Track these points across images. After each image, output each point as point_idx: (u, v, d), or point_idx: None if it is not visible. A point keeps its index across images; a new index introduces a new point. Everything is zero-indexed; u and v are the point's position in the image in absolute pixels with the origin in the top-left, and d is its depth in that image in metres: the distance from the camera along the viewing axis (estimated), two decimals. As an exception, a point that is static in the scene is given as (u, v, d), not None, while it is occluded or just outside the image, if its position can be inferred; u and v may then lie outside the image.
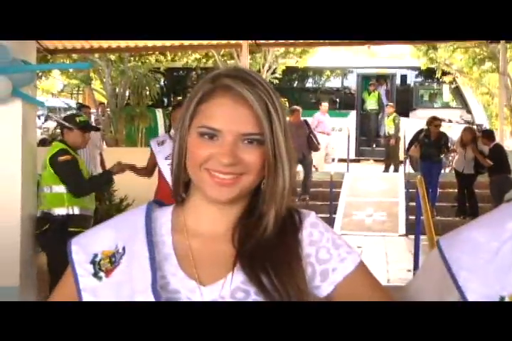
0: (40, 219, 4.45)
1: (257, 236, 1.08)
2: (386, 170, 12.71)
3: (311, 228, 1.11)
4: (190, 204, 1.13)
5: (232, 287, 1.05)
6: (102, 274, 1.08)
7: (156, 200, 1.21)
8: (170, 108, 13.52)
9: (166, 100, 16.39)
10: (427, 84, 16.21)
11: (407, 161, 11.63)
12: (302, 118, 10.33)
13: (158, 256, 1.08)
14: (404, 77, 16.05)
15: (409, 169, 11.66)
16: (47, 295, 4.15)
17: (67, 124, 4.57)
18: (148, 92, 13.80)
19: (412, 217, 8.45)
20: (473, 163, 9.27)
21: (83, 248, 1.12)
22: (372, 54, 17.10)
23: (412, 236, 7.79)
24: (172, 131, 4.72)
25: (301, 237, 1.09)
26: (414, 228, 7.94)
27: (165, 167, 4.42)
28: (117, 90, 13.96)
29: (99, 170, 7.66)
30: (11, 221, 4.31)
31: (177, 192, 1.15)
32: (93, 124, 11.39)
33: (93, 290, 1.08)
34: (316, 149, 10.22)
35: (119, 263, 1.08)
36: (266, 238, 1.08)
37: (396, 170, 12.48)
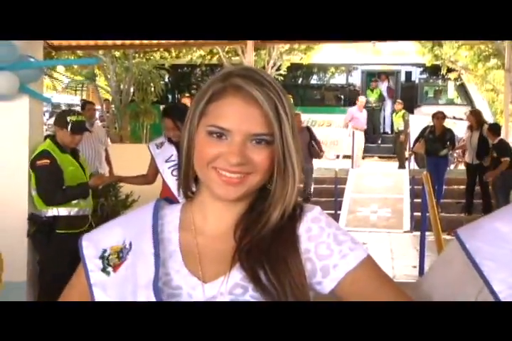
0: (28, 220, 4.36)
1: (255, 232, 1.09)
2: (402, 166, 12.57)
3: (311, 223, 1.10)
4: (198, 201, 1.15)
5: (232, 283, 1.06)
6: (110, 269, 1.10)
7: (166, 197, 1.23)
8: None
9: (170, 97, 16.43)
10: (431, 80, 16.18)
11: (412, 158, 11.62)
12: (304, 125, 10.16)
13: (164, 253, 1.10)
14: (409, 74, 16.03)
15: (414, 165, 11.66)
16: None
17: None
18: (152, 89, 13.80)
19: (417, 214, 8.46)
20: (476, 150, 9.14)
21: (93, 243, 1.14)
22: (377, 51, 17.08)
23: (417, 233, 7.79)
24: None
25: (299, 232, 1.09)
26: (418, 224, 7.96)
27: (166, 170, 4.33)
28: (122, 87, 13.96)
29: (105, 166, 7.67)
30: (18, 218, 4.31)
31: (186, 189, 1.16)
32: (97, 121, 11.40)
33: (103, 284, 1.09)
34: (318, 156, 9.89)
35: (125, 259, 1.10)
36: (264, 234, 1.09)
37: (402, 166, 12.46)
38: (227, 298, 1.05)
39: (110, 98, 14.79)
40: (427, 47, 14.37)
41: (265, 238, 1.08)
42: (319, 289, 1.09)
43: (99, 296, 1.09)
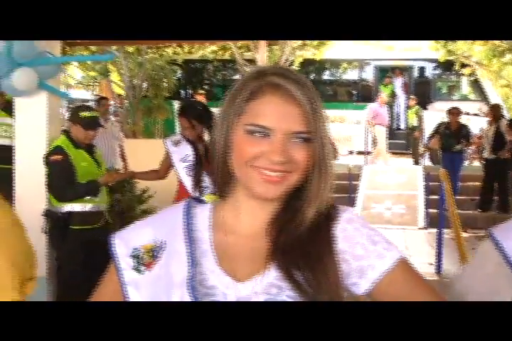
0: (43, 217, 4.33)
1: (291, 231, 1.09)
2: (417, 162, 12.53)
3: (346, 223, 1.10)
4: (231, 200, 1.14)
5: (266, 283, 1.06)
6: (142, 268, 1.10)
7: (195, 197, 1.22)
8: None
9: (183, 92, 16.44)
10: (445, 76, 16.09)
11: (426, 154, 11.58)
12: None
13: (197, 252, 1.10)
14: (422, 70, 15.95)
15: (428, 162, 11.62)
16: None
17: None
18: (166, 84, 13.80)
19: (431, 210, 8.43)
20: (492, 144, 9.04)
21: (124, 242, 1.14)
22: (389, 46, 16.99)
23: (432, 230, 7.77)
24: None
25: (334, 233, 1.09)
26: (433, 221, 7.93)
27: (181, 169, 4.27)
28: (135, 82, 13.98)
29: (119, 162, 7.68)
30: (37, 214, 4.32)
31: (221, 188, 1.15)
32: (111, 116, 11.42)
33: (135, 283, 1.10)
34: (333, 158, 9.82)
35: (159, 258, 1.10)
36: (299, 233, 1.09)
37: (417, 162, 12.41)
38: (261, 298, 1.05)
39: (123, 93, 14.82)
40: (440, 42, 14.27)
41: (301, 237, 1.08)
42: (354, 290, 1.08)
43: (133, 295, 1.09)
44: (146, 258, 1.11)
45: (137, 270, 1.10)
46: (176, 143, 4.38)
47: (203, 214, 1.16)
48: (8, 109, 4.93)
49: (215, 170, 1.13)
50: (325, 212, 1.10)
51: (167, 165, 4.47)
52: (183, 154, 4.29)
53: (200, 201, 1.20)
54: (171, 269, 1.07)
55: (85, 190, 4.25)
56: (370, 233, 1.10)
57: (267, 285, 1.05)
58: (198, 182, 4.10)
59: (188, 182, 4.19)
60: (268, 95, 1.06)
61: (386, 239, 1.11)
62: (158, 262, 1.10)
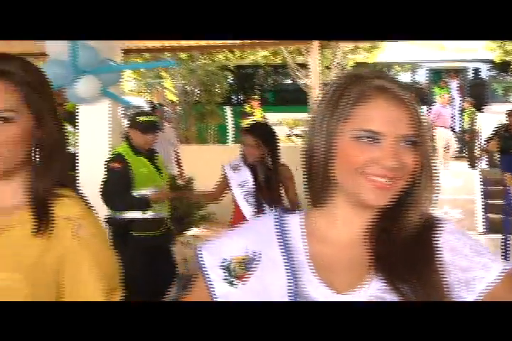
0: (105, 223, 4.28)
1: (391, 238, 1.05)
2: (473, 166, 12.24)
3: (449, 234, 1.06)
4: (328, 207, 1.10)
5: (368, 294, 1.02)
6: (234, 280, 1.08)
7: (282, 207, 1.20)
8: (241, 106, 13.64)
9: (234, 98, 16.51)
10: (500, 77, 15.73)
11: (483, 157, 11.34)
12: None
13: (293, 262, 1.07)
14: (476, 71, 15.64)
15: (484, 165, 11.37)
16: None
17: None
18: (218, 90, 13.89)
19: (491, 216, 8.24)
20: None
21: (213, 253, 1.12)
22: (442, 47, 16.71)
23: (492, 235, 7.59)
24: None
25: (438, 243, 1.05)
26: (492, 227, 7.76)
27: (239, 195, 4.21)
28: (187, 88, 14.11)
29: (174, 168, 7.72)
30: (102, 220, 4.36)
31: (318, 195, 1.11)
32: (165, 122, 11.55)
33: (226, 295, 1.07)
34: None
35: (253, 269, 1.07)
36: (402, 243, 1.05)
37: (473, 166, 12.15)
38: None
39: (175, 99, 14.99)
40: (497, 42, 13.93)
41: (403, 245, 1.04)
42: None
43: None
44: (238, 270, 1.08)
45: (230, 283, 1.07)
46: (235, 169, 4.30)
47: (294, 222, 1.13)
48: (71, 119, 5.01)
49: (313, 176, 1.09)
50: (427, 220, 1.07)
51: (223, 188, 4.41)
52: (241, 180, 4.22)
53: (286, 210, 1.17)
54: (267, 280, 1.05)
55: (136, 204, 4.24)
56: (473, 243, 1.06)
57: (370, 298, 1.02)
58: (258, 209, 4.07)
59: (246, 208, 4.15)
60: (375, 99, 1.03)
61: (488, 250, 1.07)
62: (253, 274, 1.07)
